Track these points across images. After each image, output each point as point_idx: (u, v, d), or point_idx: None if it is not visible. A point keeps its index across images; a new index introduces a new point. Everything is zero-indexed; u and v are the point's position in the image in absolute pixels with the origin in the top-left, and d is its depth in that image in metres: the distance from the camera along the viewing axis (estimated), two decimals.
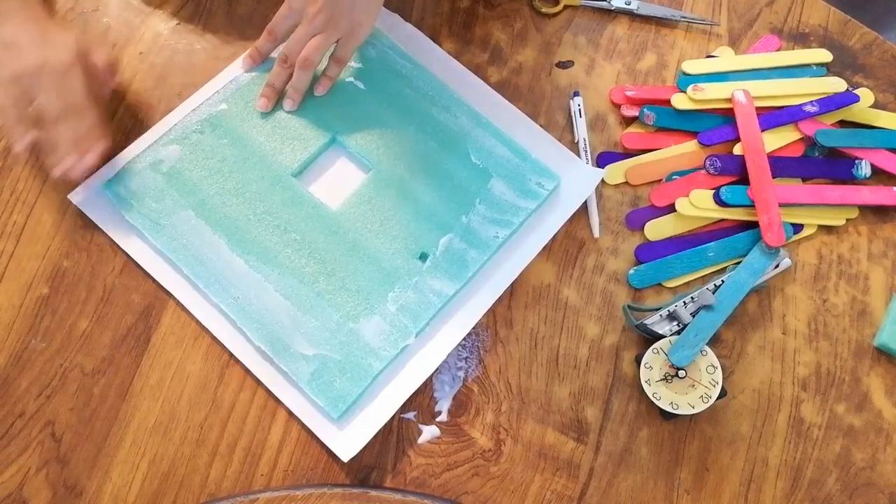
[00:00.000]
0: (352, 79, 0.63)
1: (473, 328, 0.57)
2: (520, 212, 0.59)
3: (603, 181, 0.62)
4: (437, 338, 0.56)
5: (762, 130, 0.62)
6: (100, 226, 0.58)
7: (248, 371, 0.55)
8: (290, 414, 0.54)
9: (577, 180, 0.61)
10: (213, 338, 0.55)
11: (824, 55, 0.67)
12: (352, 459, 0.52)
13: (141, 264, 0.57)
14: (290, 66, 0.60)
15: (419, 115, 0.62)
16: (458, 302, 0.57)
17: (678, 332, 0.55)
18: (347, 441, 0.52)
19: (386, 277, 0.56)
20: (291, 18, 0.59)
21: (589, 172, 0.61)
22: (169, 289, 0.56)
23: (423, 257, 0.57)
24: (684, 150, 0.63)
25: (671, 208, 0.61)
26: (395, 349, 0.54)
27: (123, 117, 0.62)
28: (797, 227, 0.61)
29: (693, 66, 0.66)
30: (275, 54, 0.62)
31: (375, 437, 0.54)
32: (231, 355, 0.55)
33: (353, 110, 0.62)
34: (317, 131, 0.61)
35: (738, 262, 0.58)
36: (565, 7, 0.69)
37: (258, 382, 0.54)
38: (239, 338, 0.55)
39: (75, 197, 0.59)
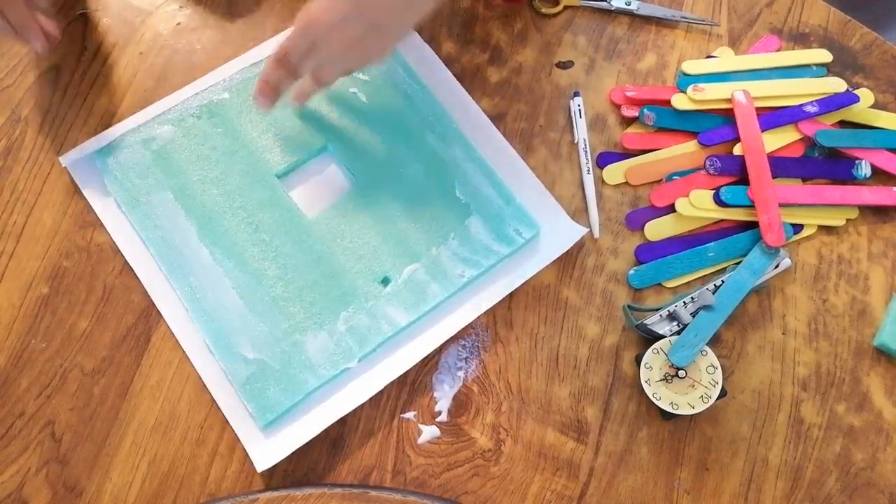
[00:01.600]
0: (355, 90, 0.63)
1: (473, 329, 0.57)
2: (491, 255, 0.57)
3: (603, 181, 0.62)
4: (379, 366, 0.55)
5: (762, 131, 0.62)
6: (83, 192, 0.59)
7: (187, 359, 0.55)
8: (218, 411, 0.53)
9: (557, 233, 0.59)
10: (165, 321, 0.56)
11: (824, 55, 0.67)
12: (271, 468, 0.51)
13: (111, 234, 0.58)
14: (293, 73, 0.56)
15: (414, 138, 0.61)
16: (410, 334, 0.56)
17: (678, 332, 0.55)
18: (268, 451, 0.52)
19: (343, 296, 0.56)
20: (308, 39, 0.53)
21: (571, 228, 0.59)
22: (131, 264, 0.57)
23: (385, 282, 0.56)
24: (684, 151, 0.63)
25: (671, 208, 0.61)
26: (335, 370, 0.54)
27: (124, 115, 0.62)
28: (797, 228, 0.61)
29: (693, 67, 0.66)
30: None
31: (375, 437, 0.54)
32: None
33: (350, 122, 0.62)
34: (310, 136, 0.61)
35: (738, 262, 0.58)
36: (565, 7, 0.69)
37: (198, 376, 0.54)
38: (187, 327, 0.55)
39: (65, 160, 0.59)
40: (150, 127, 0.60)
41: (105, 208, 0.59)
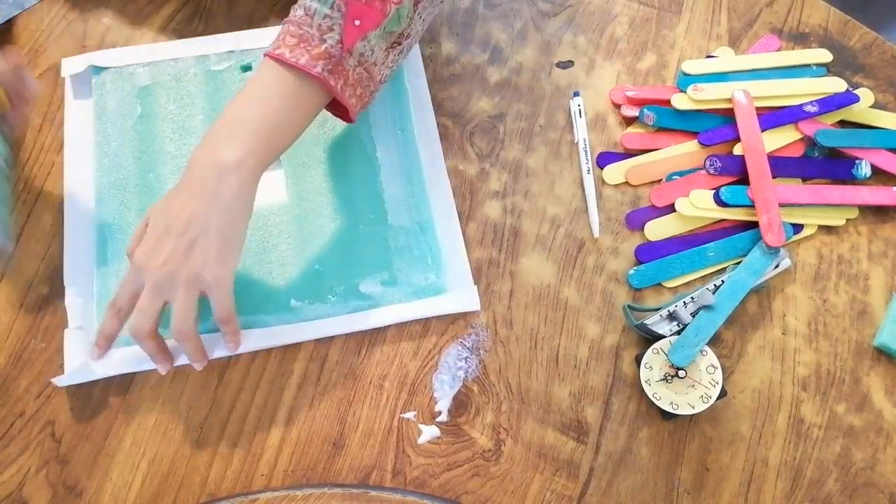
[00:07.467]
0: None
1: (473, 329, 0.57)
2: (390, 299, 0.57)
3: (603, 181, 0.62)
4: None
5: (762, 130, 0.62)
6: (66, 102, 0.63)
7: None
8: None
9: (456, 296, 0.57)
10: None
11: (824, 55, 0.67)
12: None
13: (66, 147, 0.61)
14: (124, 316, 0.51)
15: (367, 177, 0.61)
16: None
17: (678, 332, 0.55)
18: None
19: (238, 298, 0.55)
20: (137, 283, 0.49)
21: (471, 295, 0.57)
22: (67, 181, 0.60)
23: (286, 306, 0.56)
24: (684, 150, 0.63)
25: (671, 208, 0.61)
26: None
27: None
28: (797, 227, 0.61)
29: (693, 67, 0.66)
30: None
31: (375, 437, 0.54)
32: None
33: (311, 141, 0.62)
34: None
35: (738, 262, 0.58)
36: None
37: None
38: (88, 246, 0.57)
39: (67, 66, 0.64)
40: (151, 66, 0.64)
41: (78, 119, 0.62)
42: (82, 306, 0.55)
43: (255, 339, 0.55)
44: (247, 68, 0.64)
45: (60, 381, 0.52)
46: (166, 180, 0.59)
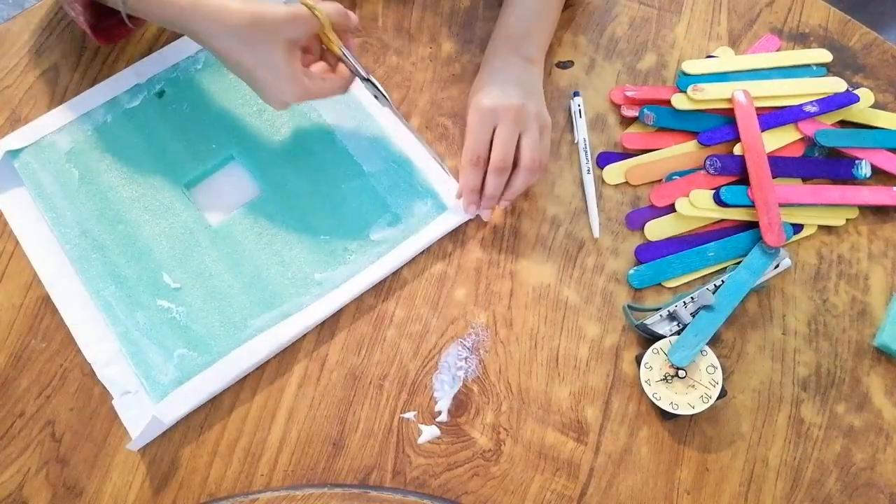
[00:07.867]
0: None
1: (473, 329, 0.57)
2: (403, 233, 0.59)
3: (603, 181, 0.62)
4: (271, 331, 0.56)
5: (762, 130, 0.62)
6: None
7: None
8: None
9: (460, 210, 0.60)
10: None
11: (824, 55, 0.67)
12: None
13: (18, 235, 0.58)
14: (484, 163, 0.57)
15: (322, 134, 0.62)
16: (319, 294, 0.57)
17: (678, 332, 0.55)
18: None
19: (269, 297, 0.56)
20: (488, 126, 0.56)
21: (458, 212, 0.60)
22: (34, 263, 0.57)
23: (310, 280, 0.57)
24: (684, 150, 0.63)
25: (671, 208, 0.61)
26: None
27: None
28: (797, 227, 0.61)
29: (693, 66, 0.66)
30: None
31: (375, 437, 0.54)
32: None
33: (255, 127, 0.62)
34: (217, 146, 0.61)
35: (738, 262, 0.58)
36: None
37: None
38: (96, 329, 0.55)
39: None
40: (69, 129, 0.61)
41: (18, 209, 0.59)
42: (118, 372, 0.54)
43: (299, 322, 0.55)
44: (161, 94, 0.62)
45: (134, 445, 0.51)
46: (138, 225, 0.58)
